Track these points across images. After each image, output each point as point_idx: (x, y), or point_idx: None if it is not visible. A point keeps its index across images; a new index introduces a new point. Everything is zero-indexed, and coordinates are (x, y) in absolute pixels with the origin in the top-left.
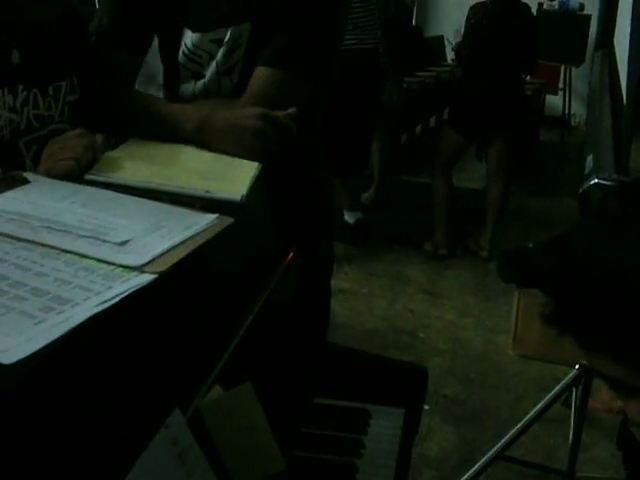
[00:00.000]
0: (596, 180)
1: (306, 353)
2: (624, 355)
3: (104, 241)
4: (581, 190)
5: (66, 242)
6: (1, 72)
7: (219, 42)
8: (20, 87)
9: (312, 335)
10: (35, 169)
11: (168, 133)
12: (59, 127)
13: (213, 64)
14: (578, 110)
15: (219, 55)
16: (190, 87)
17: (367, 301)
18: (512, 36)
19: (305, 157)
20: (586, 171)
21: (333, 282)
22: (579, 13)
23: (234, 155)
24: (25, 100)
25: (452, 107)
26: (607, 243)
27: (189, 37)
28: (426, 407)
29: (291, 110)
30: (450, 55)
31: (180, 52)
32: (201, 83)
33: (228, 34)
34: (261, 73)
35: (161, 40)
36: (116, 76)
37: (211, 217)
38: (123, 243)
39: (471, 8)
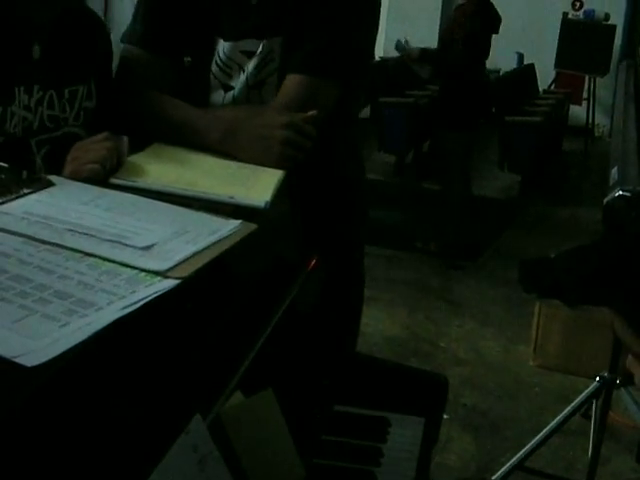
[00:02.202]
0: (620, 192)
1: (327, 360)
2: None
3: (128, 245)
4: (605, 202)
5: (90, 245)
6: (20, 68)
7: (249, 54)
8: (36, 87)
9: (338, 342)
10: (45, 169)
11: (193, 141)
12: (73, 130)
13: (242, 77)
14: (602, 120)
15: (250, 67)
16: (219, 98)
17: (388, 309)
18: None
19: (338, 158)
20: (610, 183)
21: None
22: (604, 23)
23: (260, 164)
24: (40, 100)
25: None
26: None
27: (222, 46)
28: (445, 416)
29: (312, 112)
30: None
31: (214, 60)
32: (230, 95)
33: (260, 47)
34: (292, 80)
35: (193, 47)
36: (146, 81)
37: (235, 223)
38: (147, 248)
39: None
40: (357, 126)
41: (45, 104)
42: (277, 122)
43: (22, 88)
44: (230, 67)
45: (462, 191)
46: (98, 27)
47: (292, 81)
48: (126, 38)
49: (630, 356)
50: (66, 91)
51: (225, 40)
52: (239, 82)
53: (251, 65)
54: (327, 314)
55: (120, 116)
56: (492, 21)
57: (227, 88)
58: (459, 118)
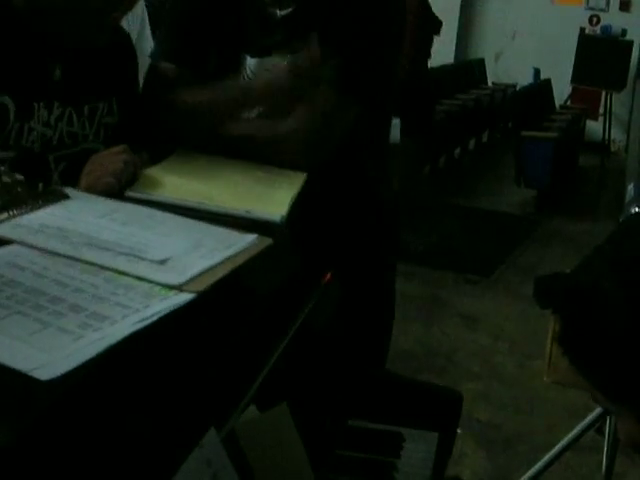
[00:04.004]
0: (637, 209)
1: (347, 376)
2: (610, 389)
3: (143, 259)
4: (621, 220)
5: (105, 259)
6: (40, 87)
7: None
8: (56, 104)
9: (366, 359)
10: (62, 185)
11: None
12: (92, 147)
13: None
14: (618, 136)
15: None
16: (245, 114)
17: (402, 323)
18: None
19: (368, 178)
20: (627, 200)
21: None
22: (621, 39)
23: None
24: (59, 116)
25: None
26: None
27: (249, 63)
28: (459, 431)
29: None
30: (491, 78)
31: (241, 77)
32: (255, 111)
33: (286, 62)
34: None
35: (220, 63)
36: (174, 92)
37: (251, 237)
38: (163, 261)
39: None
40: (388, 146)
41: (65, 120)
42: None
43: (42, 104)
44: None
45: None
46: (122, 42)
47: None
48: (154, 54)
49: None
50: (86, 108)
51: (251, 57)
52: None
53: None
54: (354, 329)
55: (147, 126)
56: (432, 22)
57: None
58: (408, 123)
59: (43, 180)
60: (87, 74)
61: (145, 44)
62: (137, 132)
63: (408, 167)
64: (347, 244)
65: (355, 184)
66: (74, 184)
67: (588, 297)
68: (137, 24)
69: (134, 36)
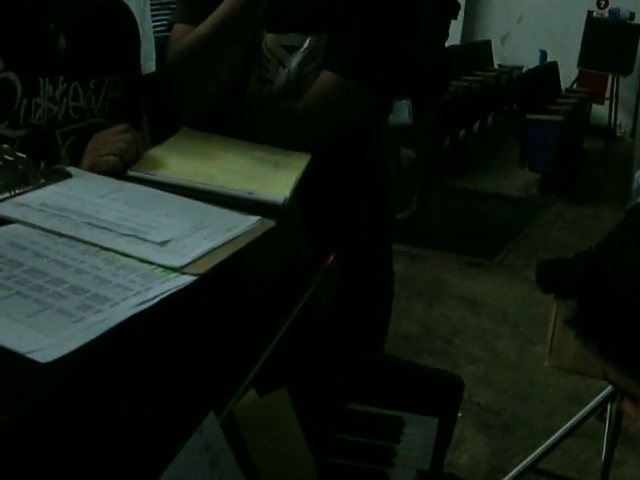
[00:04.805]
0: None
1: (344, 359)
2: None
3: (145, 240)
4: (628, 207)
5: (107, 240)
6: (46, 60)
7: (291, 49)
8: (61, 79)
9: (365, 341)
10: (70, 160)
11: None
12: (98, 122)
13: (284, 72)
14: (624, 120)
15: (293, 63)
16: (254, 90)
17: (403, 305)
18: None
19: (369, 163)
20: (634, 187)
21: None
22: (629, 22)
23: None
24: (65, 91)
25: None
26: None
27: (266, 37)
28: (459, 414)
29: None
30: (497, 60)
31: (257, 51)
32: (267, 89)
33: (307, 43)
34: (327, 77)
35: None
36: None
37: (253, 219)
38: (164, 243)
39: None
40: (387, 128)
41: (70, 95)
42: None
43: (47, 79)
44: (269, 61)
45: (430, 170)
46: (125, 17)
47: (326, 79)
48: (171, 20)
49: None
50: (91, 82)
51: (268, 32)
52: (279, 76)
53: (295, 60)
54: (353, 311)
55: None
56: (451, 6)
57: (263, 81)
58: (422, 100)
59: (51, 157)
60: (91, 47)
61: (148, 25)
62: (142, 108)
63: (426, 142)
64: (347, 226)
65: (356, 165)
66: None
67: (613, 268)
68: (140, 5)
69: (137, 18)
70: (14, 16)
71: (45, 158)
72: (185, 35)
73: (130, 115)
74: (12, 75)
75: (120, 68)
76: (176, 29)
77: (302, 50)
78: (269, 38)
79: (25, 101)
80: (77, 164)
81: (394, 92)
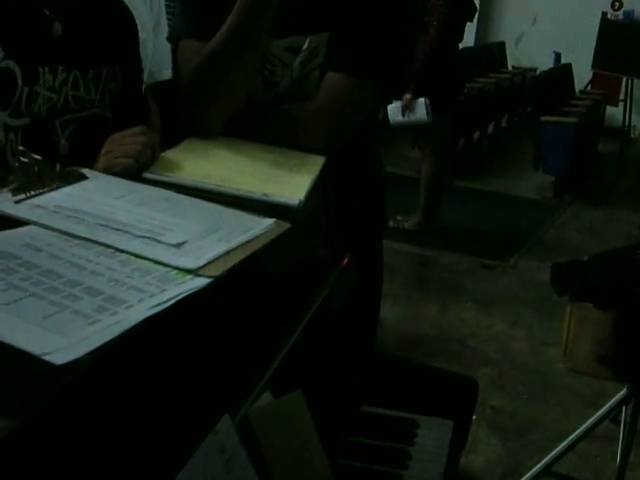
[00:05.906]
0: None
1: (355, 360)
2: None
3: (160, 242)
4: None
5: (122, 241)
6: (43, 47)
7: (294, 50)
8: (60, 68)
9: (361, 341)
10: (69, 150)
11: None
12: (99, 112)
13: (287, 73)
14: (638, 122)
15: (295, 63)
16: (259, 93)
17: (417, 307)
18: None
19: (365, 158)
20: None
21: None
22: None
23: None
24: (64, 81)
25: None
26: None
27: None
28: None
29: None
30: (511, 62)
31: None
32: (273, 90)
33: (306, 42)
34: (332, 78)
35: None
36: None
37: (268, 222)
38: (179, 245)
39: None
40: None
41: (70, 84)
42: None
43: (46, 68)
44: (273, 64)
45: (445, 175)
46: (119, 8)
47: (333, 80)
48: (174, 34)
49: None
50: (90, 72)
51: (270, 37)
52: (284, 79)
53: (297, 60)
54: (354, 313)
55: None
56: (467, 8)
57: (269, 84)
58: (439, 102)
59: (51, 147)
60: (87, 35)
61: (162, 36)
62: (137, 103)
63: (443, 144)
64: (344, 220)
65: (356, 162)
66: (82, 148)
67: None
68: (154, 16)
69: (150, 28)
70: (9, 3)
71: (46, 147)
72: (195, 50)
73: (133, 109)
74: (11, 63)
75: (118, 60)
76: (184, 45)
77: (303, 50)
78: (272, 44)
79: (26, 89)
80: (76, 152)
81: (399, 82)
